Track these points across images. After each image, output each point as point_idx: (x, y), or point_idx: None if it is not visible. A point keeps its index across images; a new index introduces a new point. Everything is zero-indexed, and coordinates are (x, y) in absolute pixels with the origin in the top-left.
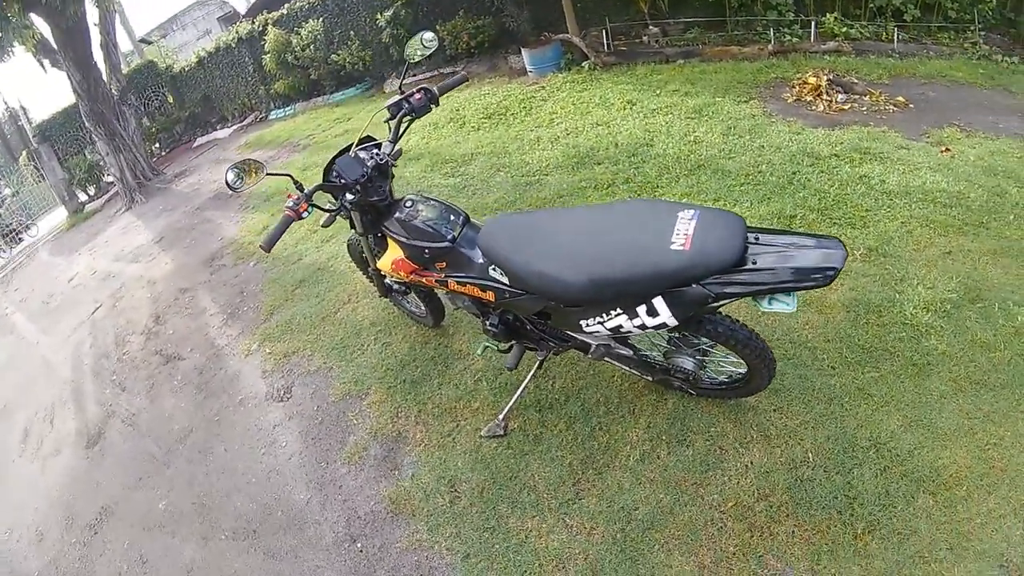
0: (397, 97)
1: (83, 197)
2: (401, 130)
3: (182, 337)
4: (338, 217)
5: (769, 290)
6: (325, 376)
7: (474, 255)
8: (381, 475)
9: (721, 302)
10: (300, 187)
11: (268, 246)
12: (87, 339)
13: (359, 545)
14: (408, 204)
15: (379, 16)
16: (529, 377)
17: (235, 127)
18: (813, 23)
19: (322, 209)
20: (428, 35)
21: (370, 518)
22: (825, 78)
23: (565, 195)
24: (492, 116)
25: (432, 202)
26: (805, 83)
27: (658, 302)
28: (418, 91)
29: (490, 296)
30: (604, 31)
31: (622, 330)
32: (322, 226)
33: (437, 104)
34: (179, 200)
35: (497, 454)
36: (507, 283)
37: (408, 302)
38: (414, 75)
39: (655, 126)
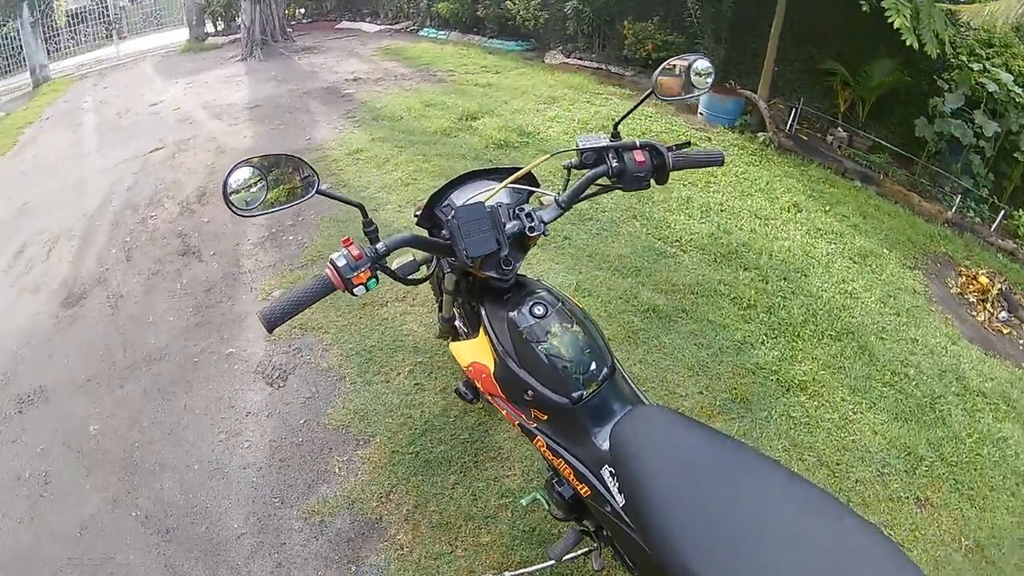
0: (600, 139)
1: (209, 28)
2: (584, 193)
3: (212, 233)
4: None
5: None
6: (333, 384)
7: (596, 433)
8: (333, 561)
9: None
10: (371, 232)
11: (270, 323)
12: (129, 179)
13: None
14: (537, 310)
15: None
16: (564, 558)
17: (383, 27)
18: (1002, 213)
19: (392, 275)
20: (703, 63)
21: None
22: (998, 286)
23: (698, 292)
24: None
25: (574, 328)
26: (974, 278)
27: None
28: (643, 147)
29: (584, 490)
30: (792, 109)
31: None
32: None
33: (663, 181)
34: (293, 75)
35: None
36: (620, 505)
37: None
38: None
39: (815, 252)
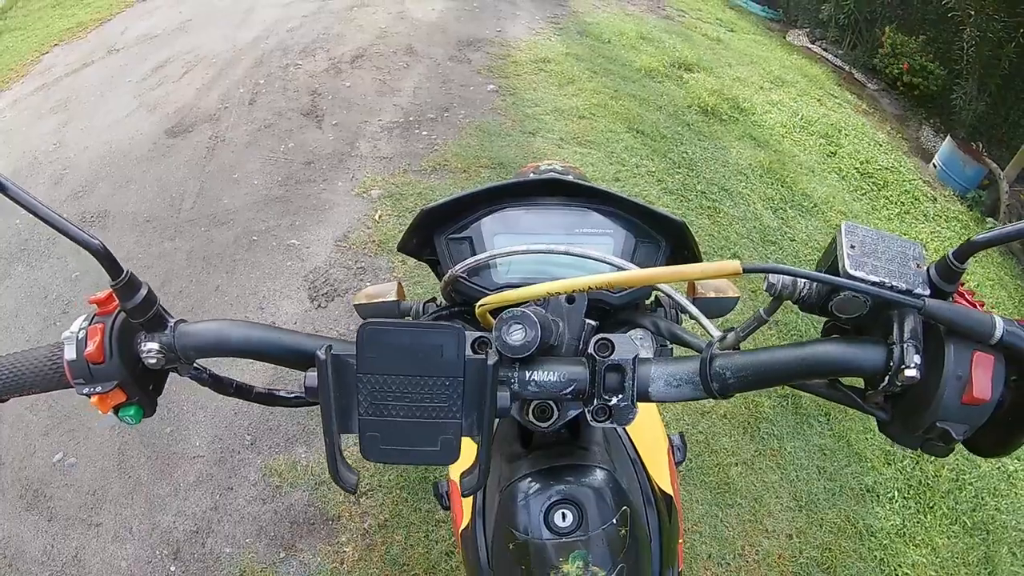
0: (908, 256)
1: None
2: (798, 384)
3: (346, 101)
4: None
5: None
6: None
7: None
8: (267, 536)
9: None
10: (138, 307)
11: None
12: (296, 20)
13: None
14: (559, 518)
15: None
16: None
17: None
18: None
19: (244, 393)
20: None
21: (208, 560)
22: None
23: None
24: (864, 177)
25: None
26: None
27: None
28: (1003, 348)
29: None
30: None
31: None
32: None
33: (1003, 450)
34: None
35: None
36: None
37: None
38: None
39: None
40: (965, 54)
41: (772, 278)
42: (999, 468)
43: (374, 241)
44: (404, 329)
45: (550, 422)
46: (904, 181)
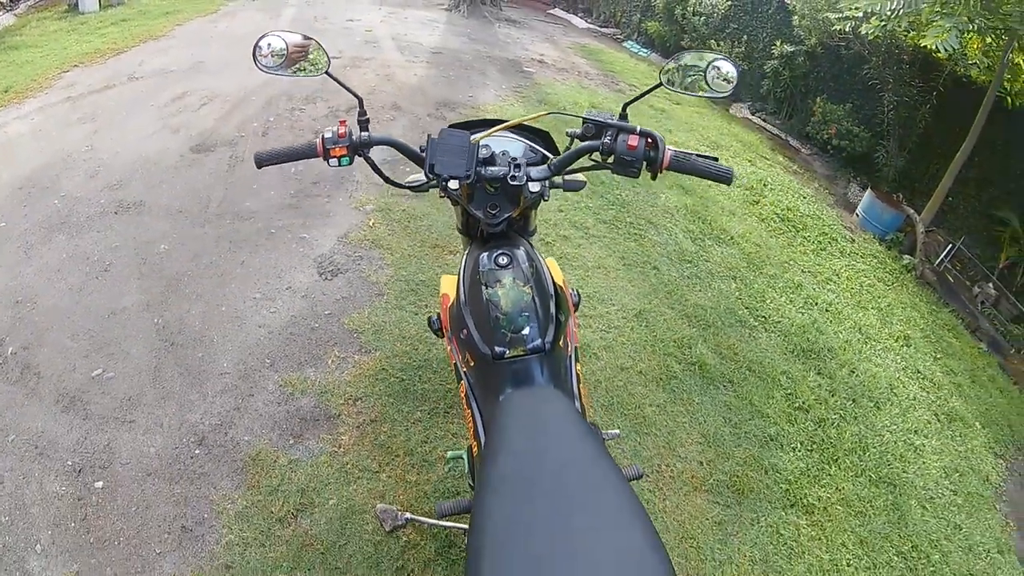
0: (608, 116)
1: None
2: (576, 164)
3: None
4: None
5: None
6: (370, 296)
7: (503, 398)
8: (279, 428)
9: None
10: (363, 122)
11: (259, 161)
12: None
13: (198, 451)
14: (501, 259)
15: (777, 45)
16: (443, 521)
17: (591, 26)
18: None
19: (374, 168)
20: (729, 68)
21: (229, 446)
22: None
23: (756, 372)
24: (784, 221)
25: (526, 288)
26: None
27: None
28: (642, 135)
29: (475, 450)
30: (951, 245)
31: None
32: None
33: (654, 175)
34: (486, 38)
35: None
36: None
37: None
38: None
39: (901, 391)
40: (886, 117)
41: (568, 129)
42: (906, 441)
43: (368, 240)
44: (453, 129)
45: (496, 211)
46: (823, 225)
